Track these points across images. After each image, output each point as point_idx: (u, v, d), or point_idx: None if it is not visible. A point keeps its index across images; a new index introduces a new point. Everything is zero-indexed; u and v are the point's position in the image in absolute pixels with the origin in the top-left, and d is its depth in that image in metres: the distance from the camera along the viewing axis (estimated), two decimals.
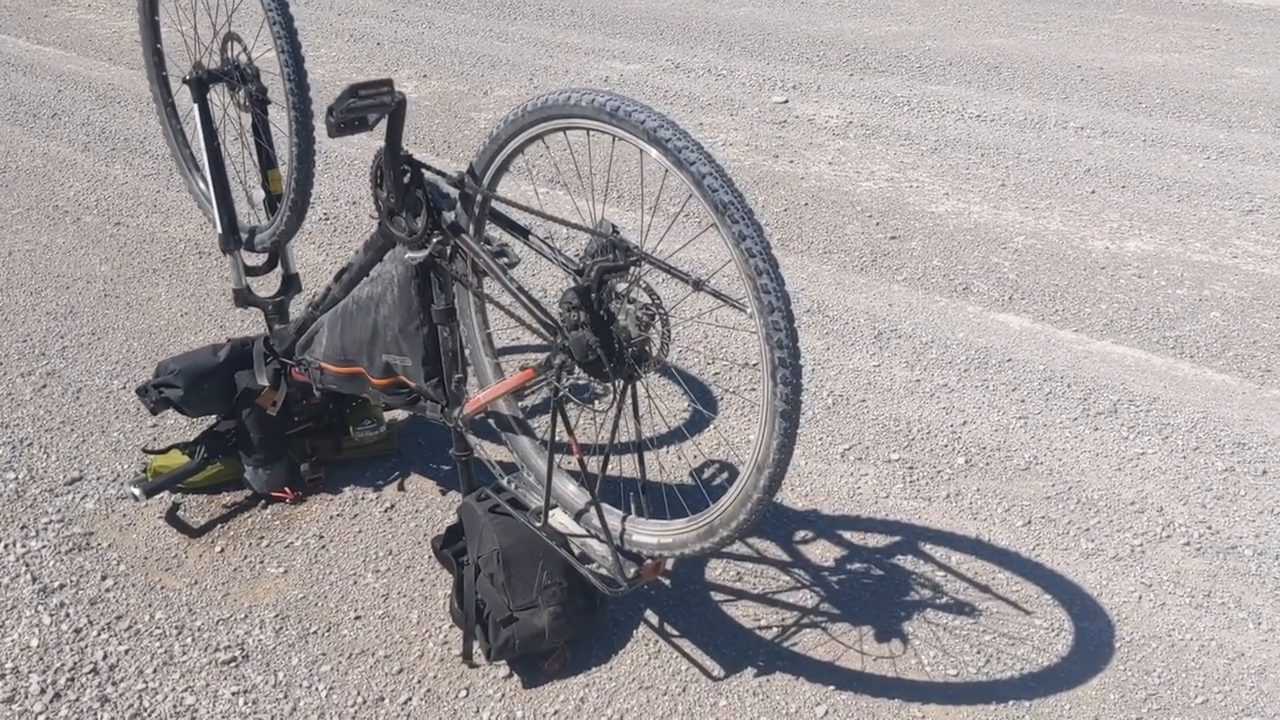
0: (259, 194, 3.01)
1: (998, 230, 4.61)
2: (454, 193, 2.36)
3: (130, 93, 7.05)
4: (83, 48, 8.37)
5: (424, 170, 2.35)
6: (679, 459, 3.09)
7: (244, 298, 3.08)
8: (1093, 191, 4.98)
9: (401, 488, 3.05)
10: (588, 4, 9.39)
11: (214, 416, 3.08)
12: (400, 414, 3.22)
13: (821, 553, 2.75)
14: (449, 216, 2.34)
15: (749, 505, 2.00)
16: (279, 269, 3.13)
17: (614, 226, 2.14)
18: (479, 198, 2.33)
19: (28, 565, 2.76)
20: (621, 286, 2.09)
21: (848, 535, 2.81)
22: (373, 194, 2.44)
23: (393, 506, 2.97)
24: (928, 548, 2.76)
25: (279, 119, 2.80)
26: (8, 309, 4.14)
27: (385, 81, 2.21)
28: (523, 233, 2.34)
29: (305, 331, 2.86)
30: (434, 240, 2.35)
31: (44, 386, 3.59)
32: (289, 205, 2.74)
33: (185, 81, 2.87)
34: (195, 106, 2.87)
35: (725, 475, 3.03)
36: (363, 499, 3.01)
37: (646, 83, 6.97)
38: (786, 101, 6.50)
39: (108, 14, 9.58)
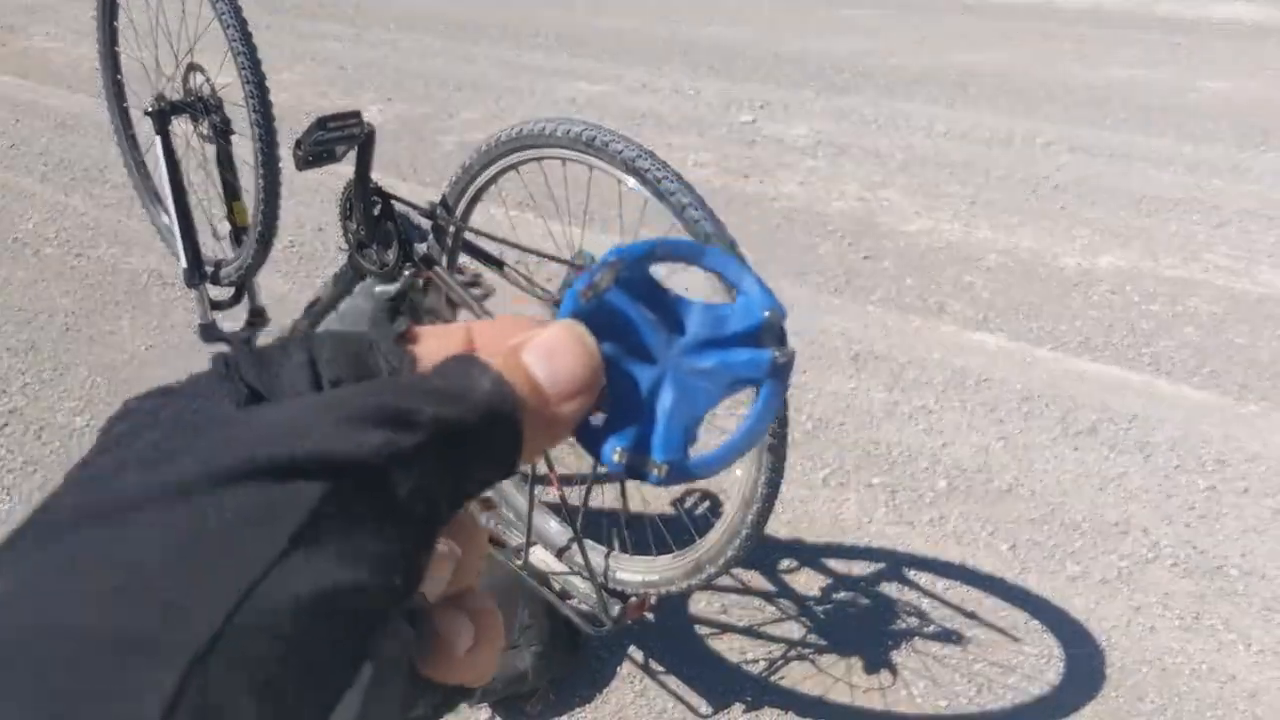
0: (224, 227, 2.94)
1: (970, 248, 4.60)
2: (426, 224, 2.31)
3: (90, 121, 6.94)
4: (41, 76, 8.24)
5: (395, 202, 2.30)
6: (662, 491, 3.05)
7: (210, 333, 3.00)
8: (1062, 208, 4.98)
9: None
10: (552, 25, 9.36)
11: None
12: None
13: (806, 582, 2.71)
14: (421, 249, 2.28)
15: (736, 541, 1.95)
16: (246, 302, 3.06)
17: (592, 256, 2.09)
18: (452, 229, 2.28)
19: None
20: None
21: (832, 563, 2.77)
22: (342, 226, 2.38)
23: None
24: (913, 574, 2.72)
25: (243, 149, 2.75)
26: None
27: (354, 113, 2.16)
28: (498, 264, 2.29)
29: None
30: (406, 273, 2.29)
31: (5, 425, 3.50)
32: (255, 238, 2.67)
33: (147, 113, 2.80)
34: (157, 139, 2.80)
35: (708, 505, 2.98)
36: None
37: (613, 103, 6.94)
38: (754, 121, 6.49)
39: (66, 42, 9.45)
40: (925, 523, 2.91)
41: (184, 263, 2.88)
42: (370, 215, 2.28)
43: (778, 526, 2.89)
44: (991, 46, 8.07)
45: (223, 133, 2.79)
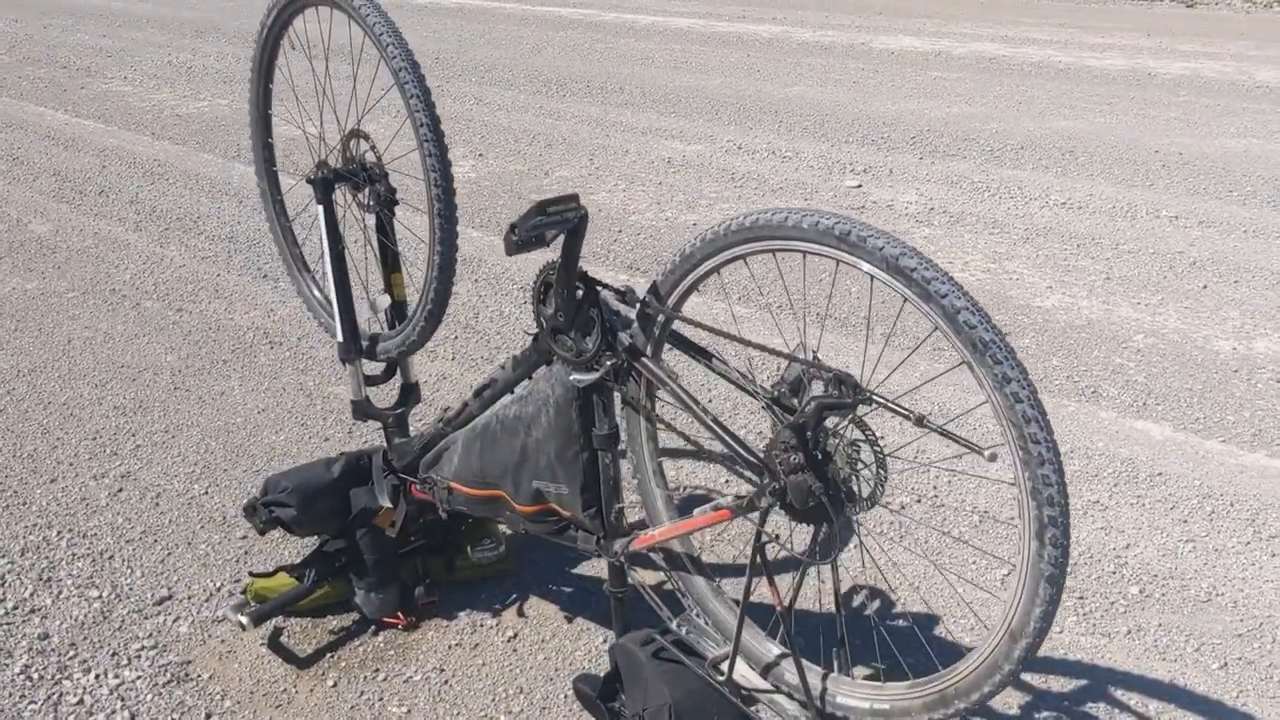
0: (384, 300, 2.81)
1: (1113, 328, 4.40)
2: (629, 312, 2.16)
3: (178, 170, 6.91)
4: (123, 121, 8.26)
5: (599, 288, 2.15)
6: (885, 606, 2.83)
7: (363, 410, 2.86)
8: (1205, 286, 4.78)
9: (522, 612, 2.82)
10: (634, 81, 9.30)
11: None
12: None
13: (1002, 698, 2.50)
14: (625, 338, 2.13)
15: (996, 677, 1.77)
16: (396, 378, 2.92)
17: (814, 353, 1.94)
18: (660, 318, 2.13)
19: (123, 700, 2.53)
20: (832, 422, 1.89)
21: (1026, 676, 2.57)
22: (534, 310, 2.24)
23: (516, 635, 2.73)
24: (1119, 693, 2.51)
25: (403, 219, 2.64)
26: (73, 403, 3.94)
27: (572, 197, 2.03)
28: (705, 356, 2.13)
29: (433, 448, 2.64)
30: (608, 363, 2.14)
31: (120, 490, 3.37)
32: (424, 314, 2.54)
33: (309, 180, 2.68)
34: (320, 209, 2.68)
35: (944, 627, 2.75)
36: (482, 626, 2.77)
37: (710, 164, 6.83)
38: (860, 186, 6.34)
39: (144, 87, 9.50)
40: (1122, 634, 2.70)
41: (340, 337, 2.75)
42: (572, 300, 2.14)
43: (960, 632, 2.70)
44: (1092, 113, 7.90)
45: (387, 203, 2.67)
